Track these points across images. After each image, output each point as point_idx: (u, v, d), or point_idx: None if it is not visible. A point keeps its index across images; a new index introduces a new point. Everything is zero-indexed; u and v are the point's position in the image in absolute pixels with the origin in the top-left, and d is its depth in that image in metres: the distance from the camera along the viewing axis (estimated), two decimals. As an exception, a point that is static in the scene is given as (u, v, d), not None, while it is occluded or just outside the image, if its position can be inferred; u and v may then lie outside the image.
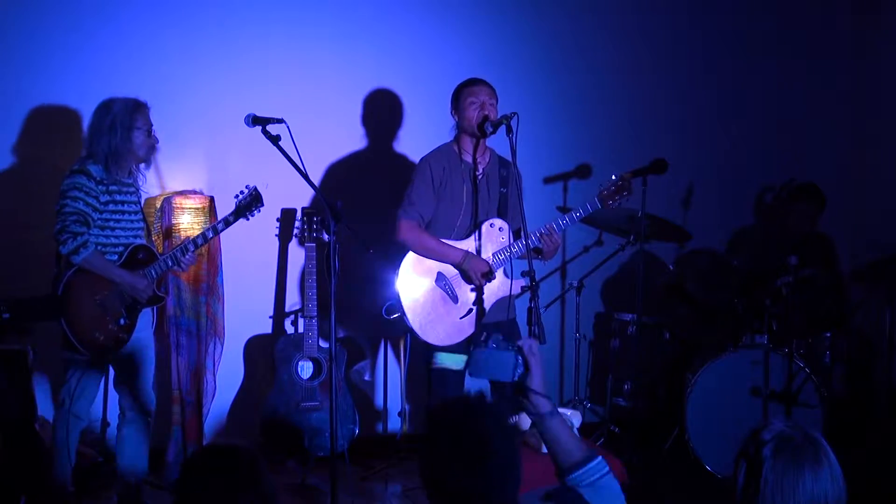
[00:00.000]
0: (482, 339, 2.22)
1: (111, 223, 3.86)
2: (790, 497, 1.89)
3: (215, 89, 4.71)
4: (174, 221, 4.44)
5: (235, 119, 3.79)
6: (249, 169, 4.57)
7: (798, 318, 4.56)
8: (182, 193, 4.56)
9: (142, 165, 3.98)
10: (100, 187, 3.79)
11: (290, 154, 3.60)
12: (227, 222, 4.03)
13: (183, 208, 4.46)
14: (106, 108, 3.86)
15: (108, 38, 4.58)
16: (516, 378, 2.18)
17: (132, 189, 3.96)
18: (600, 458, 2.14)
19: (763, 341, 4.56)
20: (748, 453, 1.95)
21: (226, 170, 4.73)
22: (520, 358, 2.18)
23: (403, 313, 3.85)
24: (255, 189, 4.05)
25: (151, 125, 3.94)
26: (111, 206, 3.84)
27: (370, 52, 4.95)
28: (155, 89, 4.58)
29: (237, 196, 4.06)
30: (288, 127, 3.65)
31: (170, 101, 4.64)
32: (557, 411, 2.18)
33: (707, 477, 4.46)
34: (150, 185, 4.65)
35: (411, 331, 3.90)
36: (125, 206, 3.90)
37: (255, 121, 3.68)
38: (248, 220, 4.07)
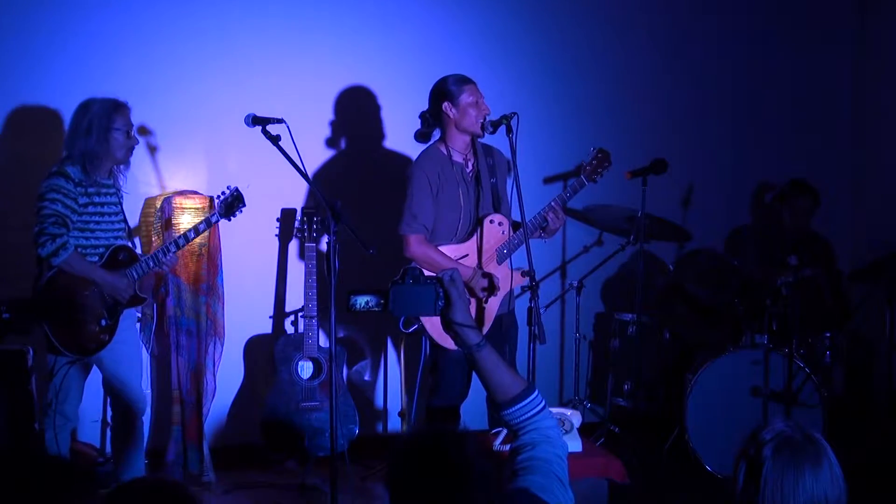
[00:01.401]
0: (398, 276, 2.10)
1: (91, 225, 3.83)
2: (790, 497, 1.89)
3: (215, 89, 4.70)
4: (174, 221, 4.43)
5: (235, 119, 3.80)
6: (249, 169, 4.58)
7: (798, 318, 4.55)
8: (182, 193, 4.56)
9: (122, 166, 3.93)
10: (78, 189, 3.76)
11: (290, 154, 3.60)
12: (209, 223, 4.03)
13: (183, 208, 4.46)
14: (84, 109, 3.81)
15: (107, 38, 4.56)
16: (438, 311, 2.08)
17: (112, 190, 3.92)
18: (537, 391, 2.09)
19: (763, 341, 4.56)
20: (748, 453, 1.95)
21: (225, 170, 4.73)
22: (440, 290, 2.07)
23: (422, 324, 3.84)
24: (237, 189, 4.06)
25: (132, 126, 3.89)
26: (90, 209, 3.82)
27: (371, 51, 4.94)
28: (154, 89, 4.60)
29: (219, 196, 4.07)
30: (288, 127, 3.65)
31: (169, 101, 4.64)
32: (487, 343, 2.08)
33: (707, 477, 4.45)
34: (150, 184, 4.68)
35: (430, 338, 3.93)
36: (105, 207, 3.87)
37: (255, 121, 3.68)
38: (230, 220, 4.08)
